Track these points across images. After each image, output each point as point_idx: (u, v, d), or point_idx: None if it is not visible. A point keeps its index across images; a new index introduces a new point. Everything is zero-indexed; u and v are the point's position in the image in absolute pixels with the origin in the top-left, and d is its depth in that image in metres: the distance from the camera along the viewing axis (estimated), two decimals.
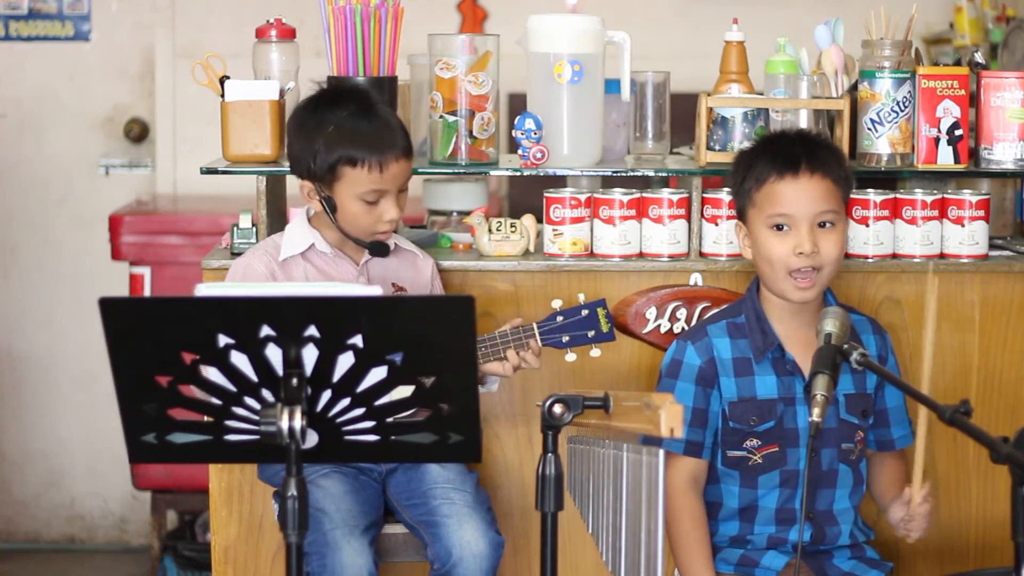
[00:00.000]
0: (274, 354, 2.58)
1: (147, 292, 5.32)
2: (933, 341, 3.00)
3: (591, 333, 3.47)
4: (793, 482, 3.35)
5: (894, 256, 3.74)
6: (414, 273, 3.56)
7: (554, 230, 3.72)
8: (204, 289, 2.62)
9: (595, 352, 3.49)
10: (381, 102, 3.49)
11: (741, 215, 3.40)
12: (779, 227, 3.31)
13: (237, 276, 3.45)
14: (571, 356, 3.48)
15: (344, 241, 3.48)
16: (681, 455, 3.35)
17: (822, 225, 3.31)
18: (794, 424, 3.35)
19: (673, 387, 3.37)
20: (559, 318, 3.46)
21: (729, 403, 3.35)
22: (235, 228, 3.73)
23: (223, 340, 2.57)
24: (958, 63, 4.55)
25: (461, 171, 3.78)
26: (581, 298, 3.50)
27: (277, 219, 3.81)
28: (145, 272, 5.35)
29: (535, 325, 3.44)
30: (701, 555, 3.32)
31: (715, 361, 3.37)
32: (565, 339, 3.46)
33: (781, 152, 3.33)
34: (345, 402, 2.63)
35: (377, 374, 2.61)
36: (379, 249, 3.44)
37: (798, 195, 3.30)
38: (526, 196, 5.21)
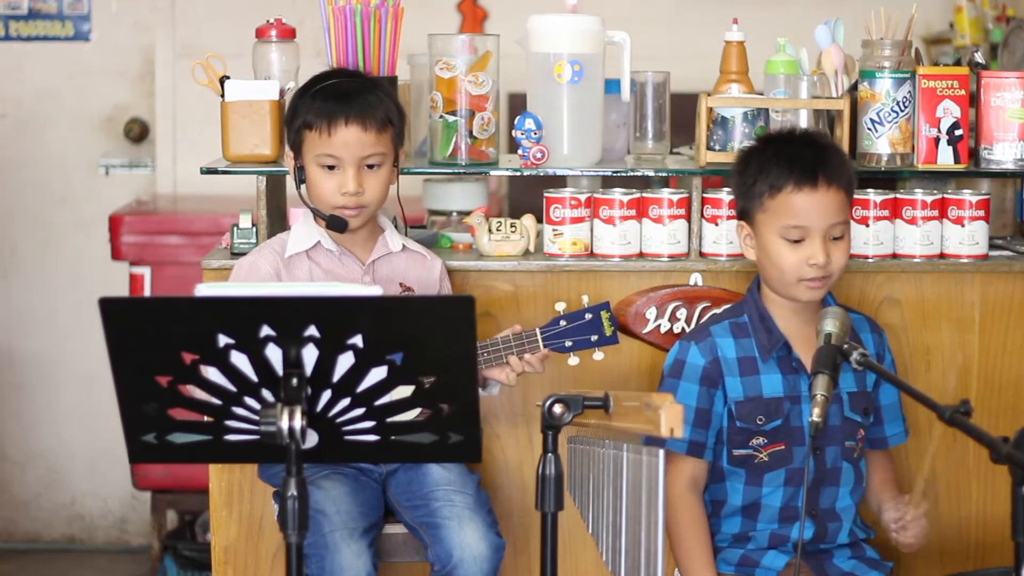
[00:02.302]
0: (274, 354, 2.58)
1: (147, 292, 5.32)
2: None
3: (594, 337, 3.47)
4: (798, 480, 3.35)
5: (894, 256, 3.74)
6: (422, 273, 3.56)
7: (554, 230, 3.71)
8: (204, 289, 2.62)
9: (598, 355, 3.49)
10: (380, 85, 3.48)
11: (744, 215, 3.39)
12: (795, 239, 3.30)
13: (242, 274, 3.46)
14: (574, 360, 3.48)
15: (350, 240, 3.48)
16: (682, 456, 3.35)
17: (833, 236, 3.31)
18: (800, 423, 3.35)
19: (677, 387, 3.37)
20: (562, 322, 3.46)
21: (736, 402, 3.35)
22: (235, 228, 3.73)
23: (223, 340, 2.57)
24: (958, 63, 4.55)
25: (461, 171, 3.78)
26: (585, 300, 3.49)
27: (277, 219, 3.81)
28: (145, 272, 5.35)
29: (538, 330, 3.44)
30: (702, 556, 3.32)
31: (719, 361, 3.37)
32: (568, 343, 3.46)
33: (797, 160, 3.31)
34: (345, 402, 2.63)
35: (377, 374, 2.62)
36: (335, 224, 3.44)
37: (815, 207, 3.29)
38: (526, 196, 5.21)
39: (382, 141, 3.41)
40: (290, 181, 3.62)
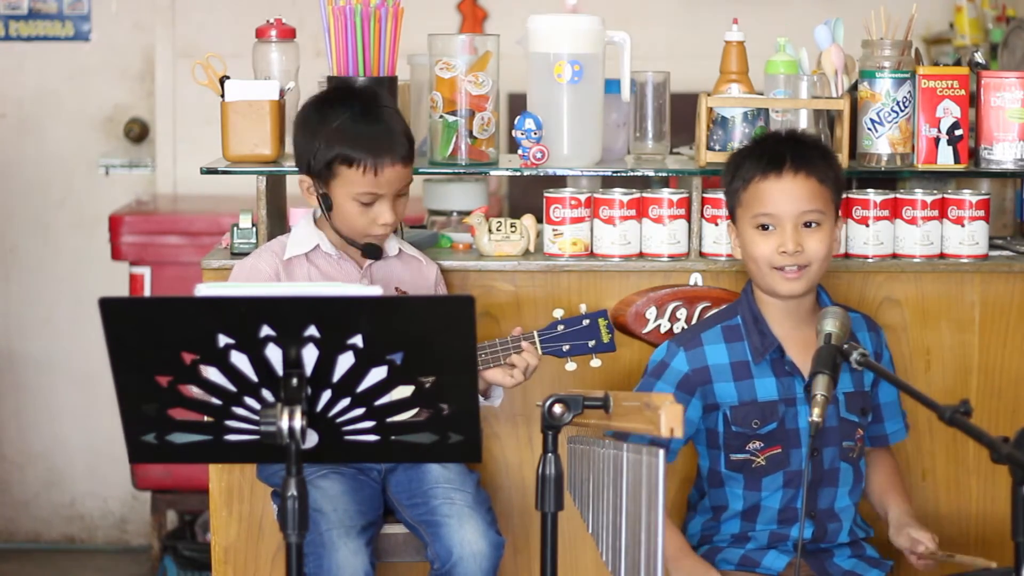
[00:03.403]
0: (274, 354, 2.58)
1: (147, 292, 5.32)
2: None
3: (591, 343, 3.49)
4: (796, 482, 3.36)
5: (894, 256, 3.74)
6: (418, 278, 3.56)
7: (554, 230, 3.72)
8: (204, 289, 2.61)
9: (595, 362, 3.50)
10: (390, 105, 3.48)
11: (731, 215, 3.41)
12: (764, 226, 3.31)
13: (242, 277, 3.45)
14: (571, 365, 3.49)
15: (348, 243, 3.48)
16: None
17: (807, 225, 3.31)
18: (795, 425, 3.35)
19: (652, 387, 3.37)
20: (560, 327, 3.48)
21: (730, 408, 3.35)
22: (235, 228, 3.73)
23: (223, 340, 2.57)
24: (958, 63, 4.55)
25: (461, 171, 3.78)
26: (583, 308, 3.51)
27: (277, 219, 3.81)
28: (145, 272, 5.35)
29: (536, 333, 3.46)
30: (671, 530, 3.31)
31: (708, 370, 3.36)
32: (566, 348, 3.48)
33: (767, 151, 3.34)
34: (345, 402, 2.63)
35: (377, 374, 2.61)
36: (372, 251, 3.44)
37: (782, 194, 3.30)
38: (526, 196, 5.21)
39: (409, 168, 3.43)
40: (290, 181, 3.62)
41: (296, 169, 3.50)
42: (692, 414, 3.37)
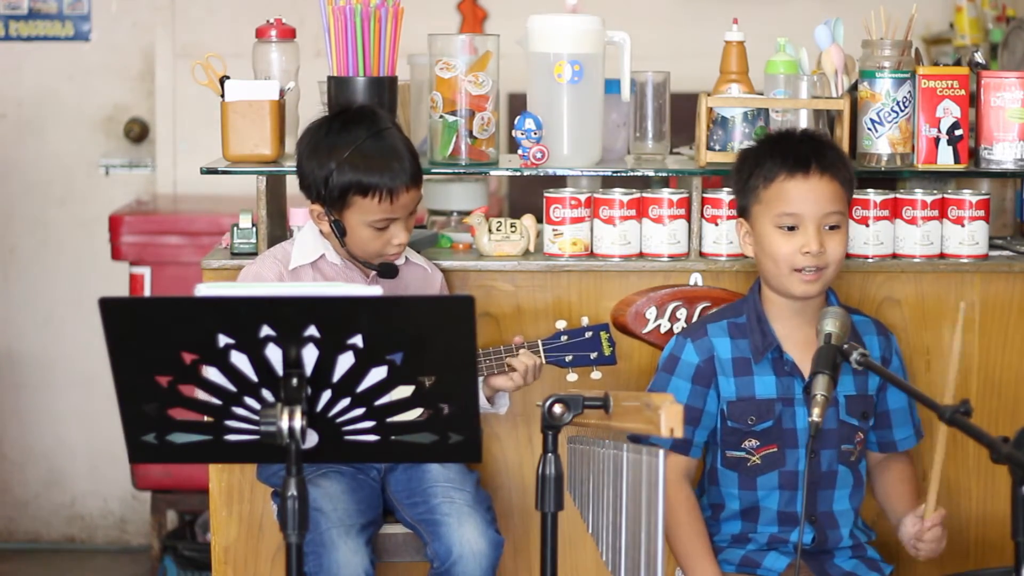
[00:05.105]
0: (274, 354, 2.58)
1: (147, 292, 5.32)
2: (958, 363, 3.06)
3: (593, 355, 3.51)
4: (792, 484, 3.35)
5: (894, 256, 3.74)
6: (424, 285, 3.56)
7: (554, 230, 3.72)
8: (204, 289, 2.61)
9: (596, 375, 3.52)
10: (392, 125, 3.46)
11: (743, 212, 3.40)
12: (788, 226, 3.30)
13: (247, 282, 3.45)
14: (572, 376, 3.51)
15: (363, 264, 3.48)
16: (669, 451, 3.35)
17: (828, 226, 3.31)
18: (792, 425, 3.35)
19: (668, 382, 3.37)
20: (563, 337, 3.50)
21: (728, 402, 3.36)
22: (235, 228, 3.73)
23: (223, 340, 2.57)
24: (958, 63, 4.55)
25: (461, 171, 3.78)
26: (585, 320, 3.52)
27: (277, 219, 3.81)
28: (145, 272, 5.35)
29: (540, 342, 3.47)
30: (701, 544, 3.32)
31: (714, 360, 3.37)
32: (568, 358, 3.50)
33: (791, 151, 3.33)
34: (345, 402, 2.63)
35: (377, 374, 2.61)
36: (387, 270, 3.44)
37: (808, 195, 3.30)
38: (526, 196, 5.21)
39: (420, 188, 3.44)
40: (290, 181, 3.62)
41: (295, 170, 3.49)
42: (711, 406, 3.37)
